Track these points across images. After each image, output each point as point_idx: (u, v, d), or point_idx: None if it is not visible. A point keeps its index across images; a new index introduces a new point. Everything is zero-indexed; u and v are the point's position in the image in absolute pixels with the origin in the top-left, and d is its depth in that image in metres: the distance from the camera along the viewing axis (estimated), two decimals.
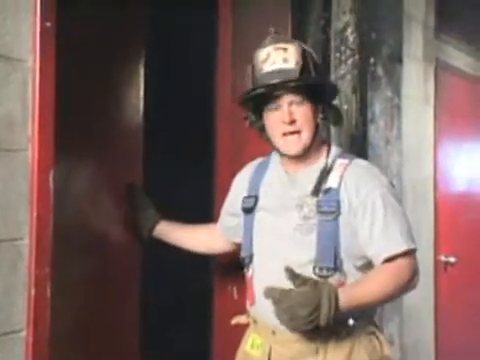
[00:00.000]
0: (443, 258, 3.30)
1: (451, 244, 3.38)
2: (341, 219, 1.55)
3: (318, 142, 1.64)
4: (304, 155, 1.61)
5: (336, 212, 1.54)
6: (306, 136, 1.58)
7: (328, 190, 1.57)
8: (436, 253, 3.26)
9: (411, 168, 2.97)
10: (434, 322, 3.25)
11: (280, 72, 1.54)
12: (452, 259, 3.31)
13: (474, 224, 3.72)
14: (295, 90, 1.56)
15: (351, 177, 1.58)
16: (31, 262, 1.39)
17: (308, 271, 1.53)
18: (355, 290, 1.52)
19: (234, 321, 1.75)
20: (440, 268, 3.29)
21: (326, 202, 1.55)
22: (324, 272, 1.53)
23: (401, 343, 2.83)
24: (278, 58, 1.55)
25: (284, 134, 1.58)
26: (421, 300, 3.09)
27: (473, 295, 3.66)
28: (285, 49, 1.56)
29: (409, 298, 2.87)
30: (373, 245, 1.54)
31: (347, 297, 1.46)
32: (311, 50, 1.65)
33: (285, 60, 1.55)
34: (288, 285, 1.53)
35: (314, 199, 1.57)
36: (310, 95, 1.58)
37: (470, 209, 3.68)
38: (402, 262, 1.53)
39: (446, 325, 3.31)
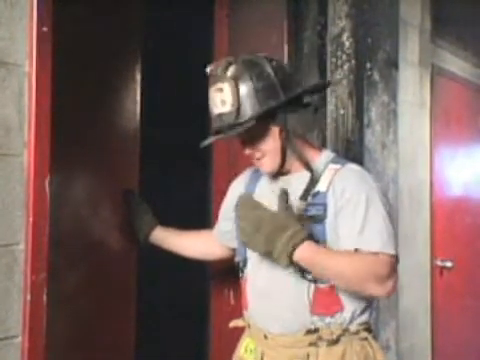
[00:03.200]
0: (439, 262, 3.31)
1: (447, 248, 3.39)
2: (328, 222, 1.54)
3: (308, 148, 1.64)
4: (285, 168, 1.62)
5: (323, 215, 1.54)
6: (271, 160, 1.59)
7: (316, 194, 1.57)
8: (432, 257, 3.26)
9: (407, 172, 2.97)
10: (430, 326, 3.25)
11: (220, 116, 1.53)
12: (448, 263, 3.32)
13: (470, 228, 3.72)
14: None
15: (339, 180, 1.57)
16: (27, 267, 1.38)
17: (297, 276, 1.55)
18: (321, 249, 1.50)
19: (232, 324, 1.76)
20: (436, 272, 3.30)
21: (314, 206, 1.56)
22: (311, 276, 1.53)
23: (397, 348, 2.83)
24: (217, 101, 1.53)
25: (254, 160, 1.61)
26: (417, 304, 3.09)
27: (469, 299, 3.66)
28: (221, 89, 1.52)
29: (405, 302, 2.88)
30: (348, 240, 1.52)
31: (310, 249, 1.47)
32: (262, 64, 1.54)
33: (223, 102, 1.52)
34: (278, 292, 1.57)
35: (303, 203, 1.57)
36: (265, 121, 1.54)
37: (466, 213, 3.69)
38: (380, 258, 1.50)
39: (442, 329, 3.31)
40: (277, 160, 1.59)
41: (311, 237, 1.50)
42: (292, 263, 1.48)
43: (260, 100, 1.52)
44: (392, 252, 1.52)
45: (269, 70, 1.55)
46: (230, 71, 1.54)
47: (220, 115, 1.53)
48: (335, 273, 1.51)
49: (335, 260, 1.50)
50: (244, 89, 1.52)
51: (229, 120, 1.52)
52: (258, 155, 1.59)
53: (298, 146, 1.61)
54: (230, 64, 1.55)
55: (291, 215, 1.51)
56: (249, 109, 1.51)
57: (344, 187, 1.56)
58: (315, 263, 1.50)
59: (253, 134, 1.56)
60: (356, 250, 1.51)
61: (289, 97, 1.55)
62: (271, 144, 1.58)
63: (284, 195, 1.52)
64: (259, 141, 1.57)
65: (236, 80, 1.52)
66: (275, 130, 1.57)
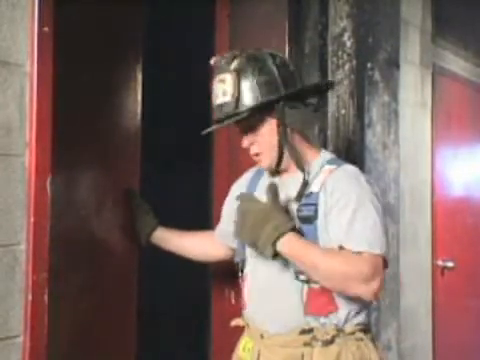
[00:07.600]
0: (440, 262, 3.30)
1: (449, 248, 3.38)
2: (319, 223, 1.54)
3: (306, 148, 1.65)
4: (282, 166, 1.63)
5: (314, 216, 1.54)
6: (268, 155, 1.61)
7: (309, 194, 1.58)
8: (433, 257, 3.26)
9: (408, 173, 2.97)
10: (432, 326, 3.24)
11: (222, 106, 1.57)
12: (450, 263, 3.32)
13: (472, 228, 3.72)
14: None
15: (331, 181, 1.57)
16: (28, 267, 1.38)
17: (290, 276, 1.55)
18: (304, 243, 1.50)
19: (233, 323, 1.76)
20: (437, 272, 3.29)
21: (305, 206, 1.56)
22: (304, 276, 1.53)
23: (398, 348, 2.83)
24: (219, 91, 1.58)
25: (253, 157, 1.64)
26: (418, 304, 3.09)
27: (470, 300, 3.66)
28: (223, 80, 1.57)
29: (407, 302, 2.88)
30: (335, 239, 1.51)
31: (292, 240, 1.47)
32: (266, 59, 1.58)
33: (224, 93, 1.56)
34: (273, 292, 1.58)
35: (296, 204, 1.58)
36: (262, 113, 1.57)
37: (468, 213, 3.69)
38: (364, 257, 1.48)
39: (444, 329, 3.31)
40: (274, 156, 1.61)
41: (299, 232, 1.50)
42: (277, 255, 1.48)
43: (260, 93, 1.56)
44: (378, 252, 1.50)
45: (271, 66, 1.60)
46: (234, 63, 1.59)
47: (221, 105, 1.57)
48: (310, 266, 1.49)
49: (312, 254, 1.49)
50: (245, 81, 1.56)
51: (228, 110, 1.56)
52: (255, 149, 1.61)
53: (295, 144, 1.62)
54: (235, 57, 1.60)
55: (278, 207, 1.51)
56: (248, 101, 1.56)
57: (334, 187, 1.56)
58: (294, 255, 1.49)
59: (251, 125, 1.59)
60: (341, 247, 1.50)
61: (288, 93, 1.58)
62: (267, 138, 1.60)
63: (272, 187, 1.53)
64: (255, 133, 1.60)
65: (239, 72, 1.56)
66: (272, 124, 1.59)
